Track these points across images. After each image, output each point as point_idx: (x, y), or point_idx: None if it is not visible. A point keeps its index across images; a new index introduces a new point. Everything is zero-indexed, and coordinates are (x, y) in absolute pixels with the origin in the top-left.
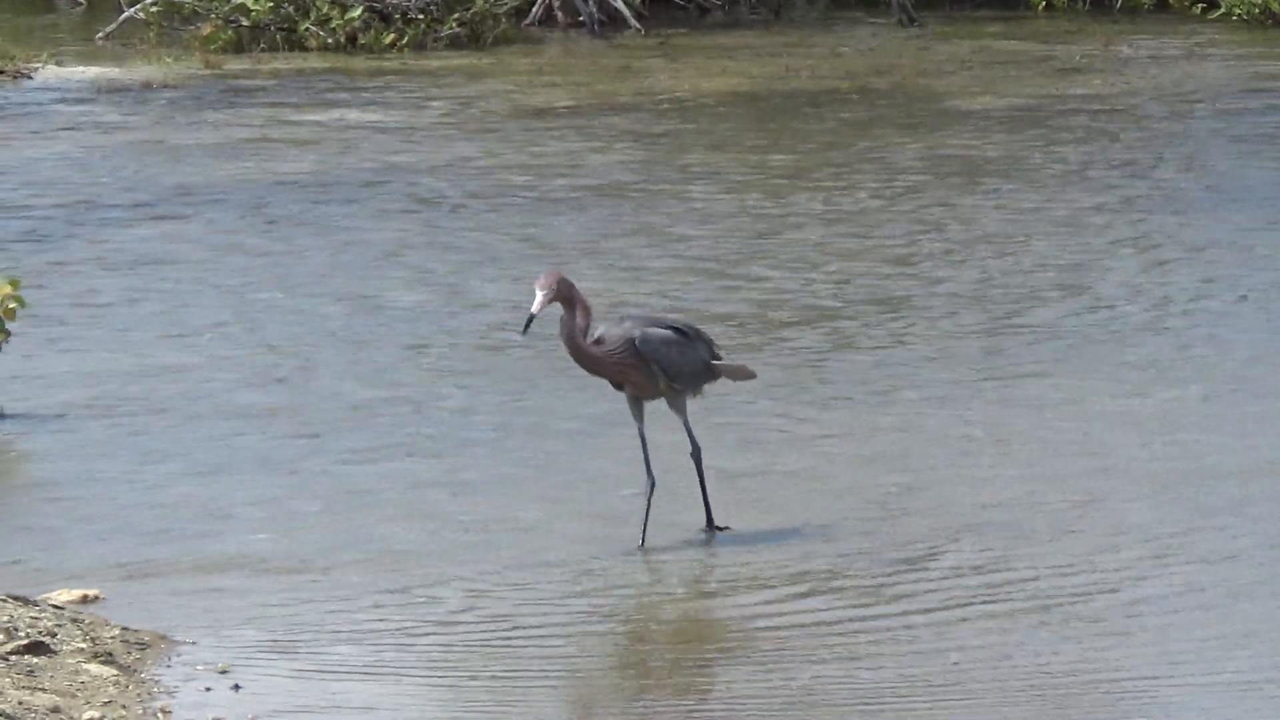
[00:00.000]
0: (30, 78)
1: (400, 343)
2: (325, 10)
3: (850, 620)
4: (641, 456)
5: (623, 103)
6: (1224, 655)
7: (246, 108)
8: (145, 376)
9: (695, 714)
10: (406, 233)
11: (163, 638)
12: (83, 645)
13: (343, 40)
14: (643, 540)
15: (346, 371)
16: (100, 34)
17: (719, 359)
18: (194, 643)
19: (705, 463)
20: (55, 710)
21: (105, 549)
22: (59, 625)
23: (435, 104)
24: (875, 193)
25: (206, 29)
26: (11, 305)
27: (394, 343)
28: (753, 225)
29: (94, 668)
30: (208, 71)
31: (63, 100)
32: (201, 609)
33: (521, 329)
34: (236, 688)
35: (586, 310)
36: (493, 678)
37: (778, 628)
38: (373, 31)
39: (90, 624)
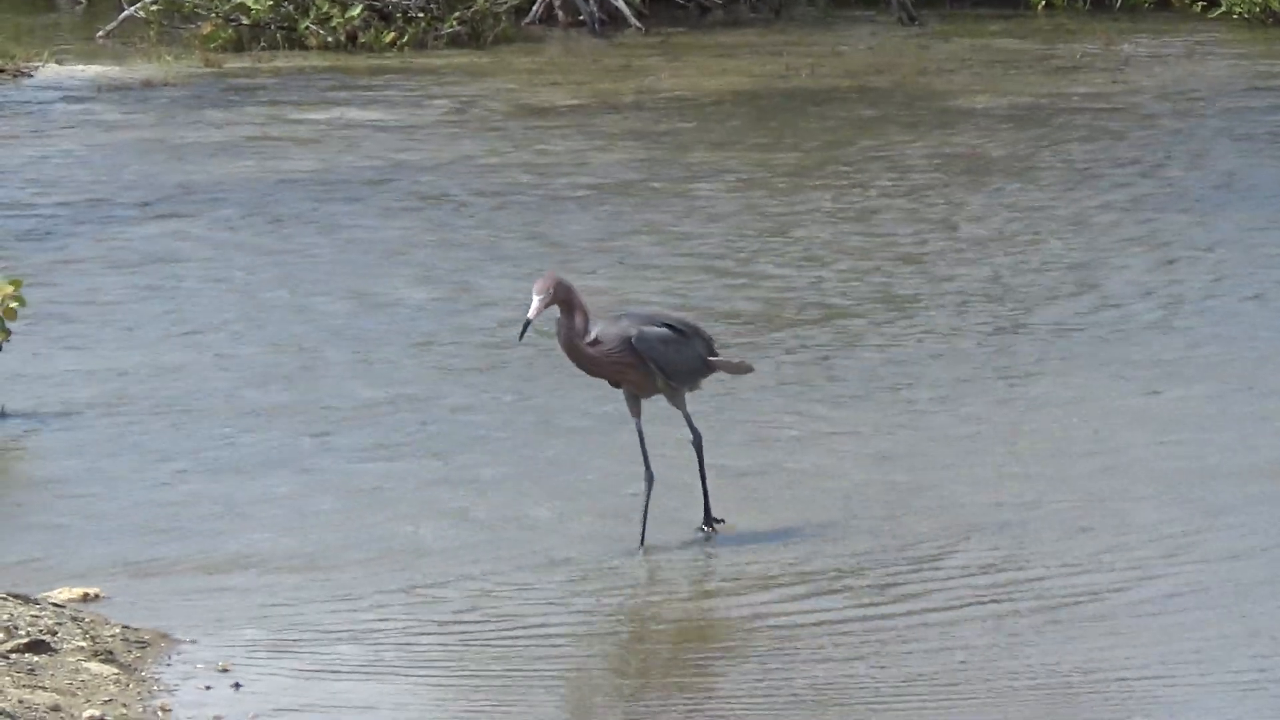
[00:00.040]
0: (31, 76)
1: (406, 341)
2: (325, 9)
3: (856, 619)
4: (639, 453)
5: (624, 101)
6: (1230, 654)
7: (248, 106)
8: (149, 375)
9: (698, 713)
10: (411, 231)
11: (163, 636)
12: (83, 644)
13: (343, 39)
14: (642, 539)
15: (351, 370)
16: (100, 33)
17: (716, 354)
18: (194, 641)
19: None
20: (55, 709)
21: (106, 547)
22: (59, 623)
23: (437, 102)
24: (881, 191)
25: (206, 27)
26: (13, 305)
27: (400, 341)
28: (758, 223)
29: (94, 666)
30: (208, 70)
31: (64, 99)
32: (202, 607)
33: (518, 335)
34: (237, 686)
35: (585, 313)
36: (494, 677)
37: (782, 626)
38: (373, 30)
39: (91, 622)
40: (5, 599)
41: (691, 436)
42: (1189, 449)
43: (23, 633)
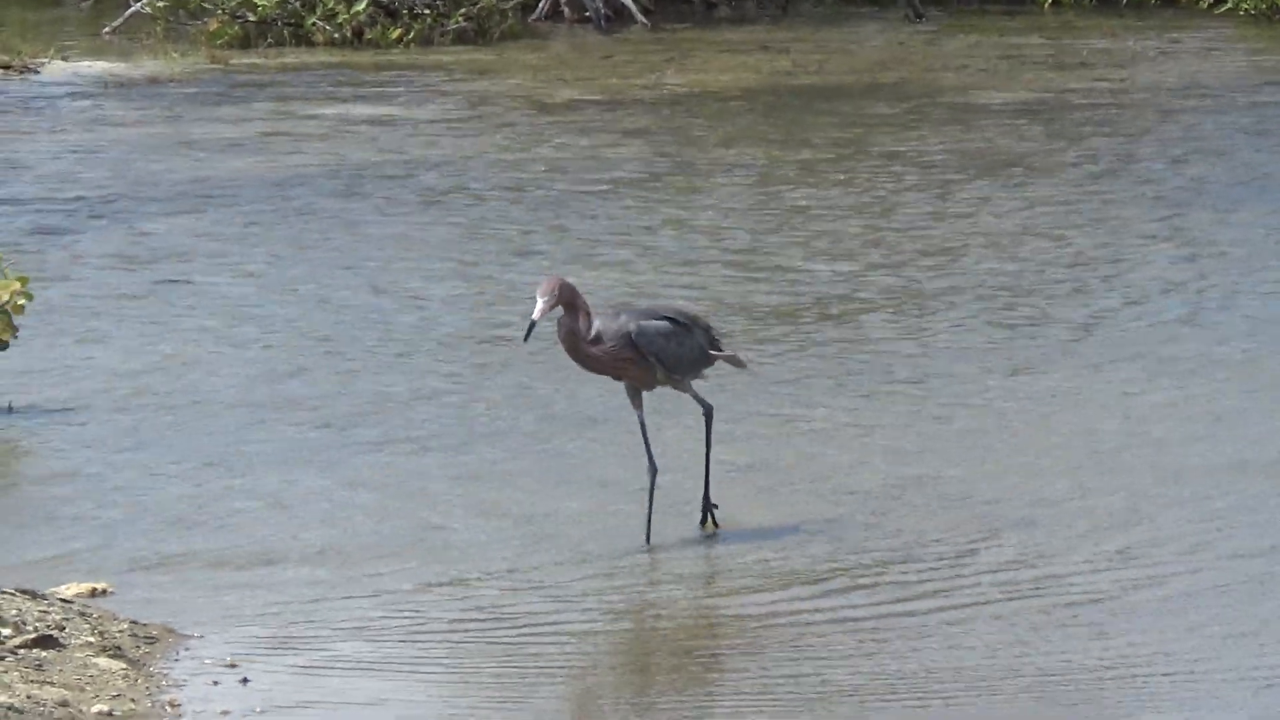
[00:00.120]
0: (37, 73)
1: (425, 335)
2: (331, 5)
3: (873, 615)
4: (643, 446)
5: (632, 98)
6: (1252, 650)
7: (256, 102)
8: (162, 370)
9: (703, 711)
10: (429, 226)
11: (171, 631)
12: (91, 639)
13: (349, 35)
14: (648, 535)
15: (363, 365)
16: (107, 29)
17: (717, 345)
18: (202, 637)
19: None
20: (64, 704)
21: (114, 543)
22: (67, 619)
23: (446, 99)
24: (899, 186)
25: (213, 24)
26: (20, 302)
27: (413, 335)
28: (775, 218)
29: (102, 661)
30: (214, 66)
31: (71, 95)
32: (210, 603)
33: (523, 336)
34: (245, 681)
35: (588, 314)
36: (501, 673)
37: (796, 623)
38: (379, 26)
39: (99, 618)
40: (13, 594)
41: (703, 410)
42: (1214, 444)
43: (31, 628)
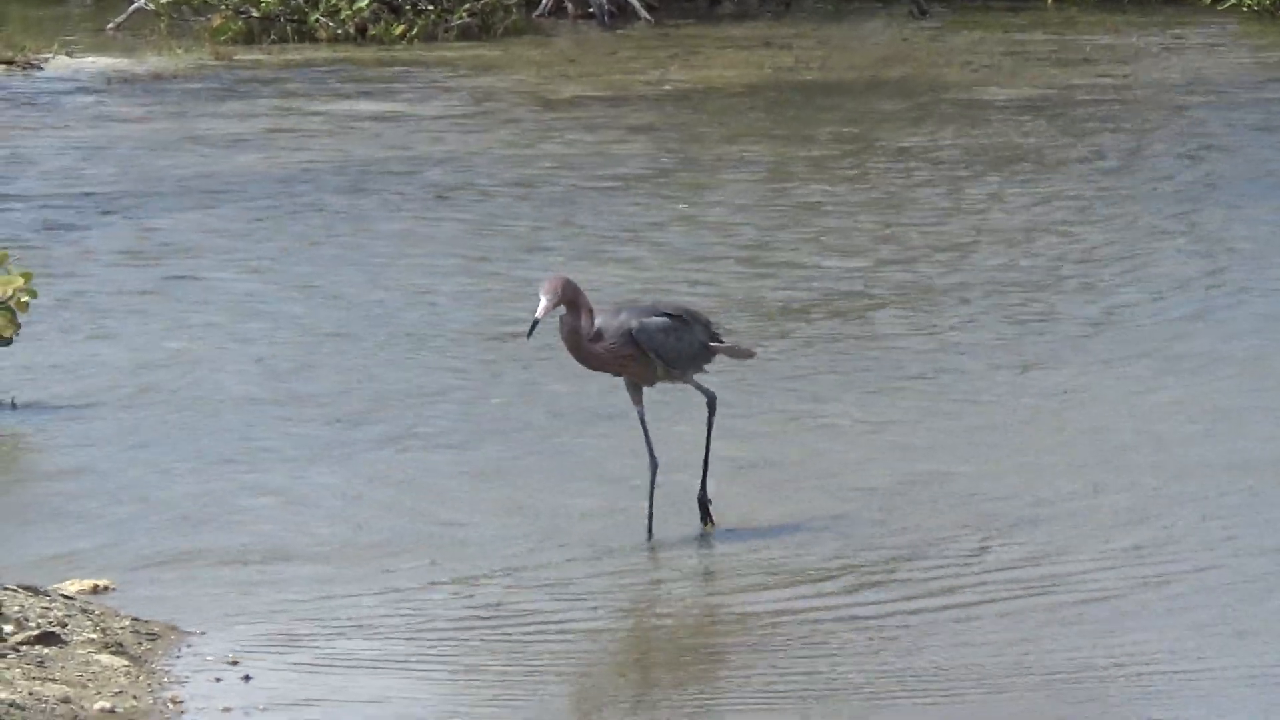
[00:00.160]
0: (41, 69)
1: (426, 331)
2: (335, 1)
3: (879, 614)
4: (644, 441)
5: (636, 94)
6: (1262, 648)
7: (260, 98)
8: (167, 366)
9: (709, 708)
10: (436, 221)
11: (173, 628)
12: (93, 636)
13: (352, 31)
14: (649, 531)
15: (370, 362)
16: (110, 25)
17: (718, 338)
18: (204, 633)
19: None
20: (65, 700)
21: (117, 539)
22: (69, 616)
23: (450, 95)
24: (907, 182)
25: (216, 20)
26: (24, 298)
27: (421, 331)
28: (782, 214)
29: (104, 658)
30: (218, 63)
31: (76, 91)
32: (213, 600)
33: (526, 333)
34: (247, 678)
35: (590, 313)
36: (504, 671)
37: (795, 621)
38: (382, 23)
39: (101, 614)
40: (15, 591)
41: (705, 399)
42: (1223, 442)
43: (33, 624)
